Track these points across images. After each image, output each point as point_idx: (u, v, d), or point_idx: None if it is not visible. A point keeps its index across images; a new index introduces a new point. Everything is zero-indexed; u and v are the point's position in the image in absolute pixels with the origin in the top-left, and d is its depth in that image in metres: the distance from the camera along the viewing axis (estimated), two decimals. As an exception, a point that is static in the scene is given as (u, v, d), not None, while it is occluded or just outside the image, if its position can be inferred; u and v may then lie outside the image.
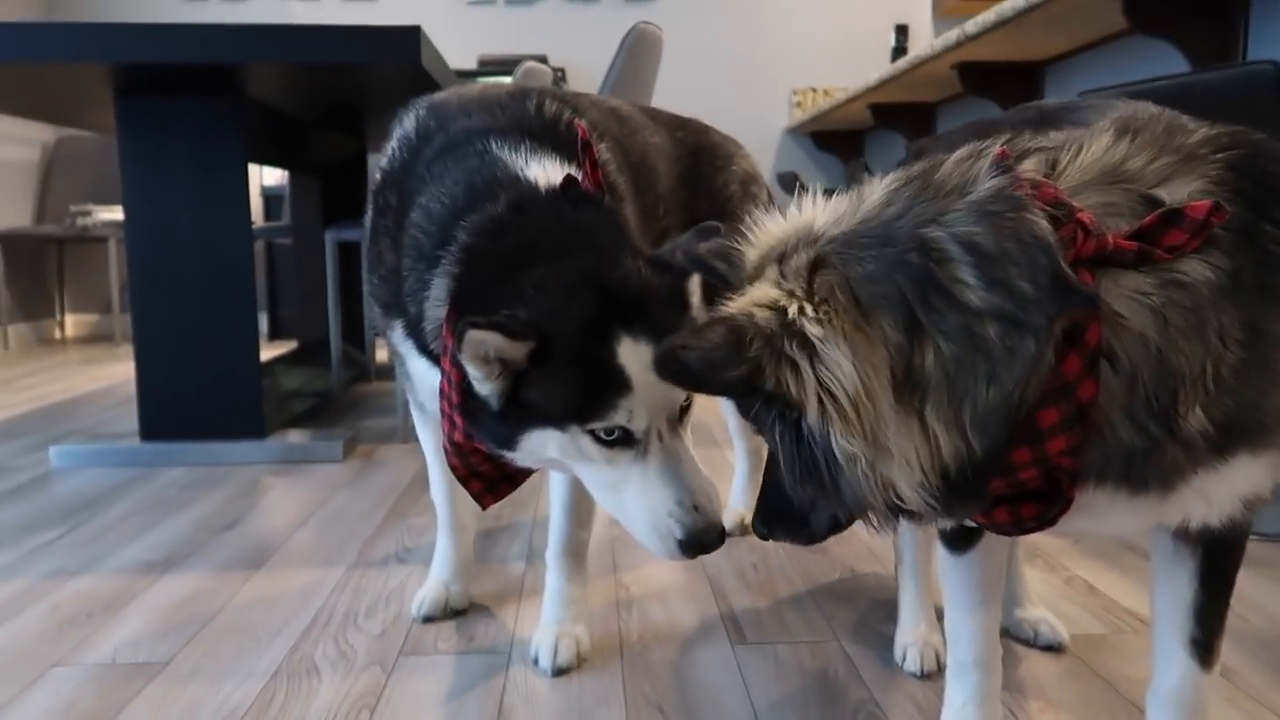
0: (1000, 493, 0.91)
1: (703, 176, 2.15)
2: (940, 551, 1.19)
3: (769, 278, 0.90)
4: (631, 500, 1.19)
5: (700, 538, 1.16)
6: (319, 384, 3.83)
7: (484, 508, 1.43)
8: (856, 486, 0.86)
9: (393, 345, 1.61)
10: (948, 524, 1.09)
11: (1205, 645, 1.10)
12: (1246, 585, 1.88)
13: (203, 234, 2.96)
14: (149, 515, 2.47)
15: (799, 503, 0.95)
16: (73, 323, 6.71)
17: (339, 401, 3.88)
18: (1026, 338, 0.83)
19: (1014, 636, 1.65)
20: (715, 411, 3.38)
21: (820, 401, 0.84)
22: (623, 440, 1.18)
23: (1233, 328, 0.85)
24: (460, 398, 1.21)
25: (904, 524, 0.91)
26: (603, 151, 1.62)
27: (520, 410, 1.17)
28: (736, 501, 2.34)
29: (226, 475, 2.85)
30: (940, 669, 1.56)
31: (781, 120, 6.43)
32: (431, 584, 1.83)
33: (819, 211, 0.94)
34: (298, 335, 4.67)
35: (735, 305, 0.89)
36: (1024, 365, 0.83)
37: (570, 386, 1.15)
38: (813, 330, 0.84)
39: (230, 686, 1.55)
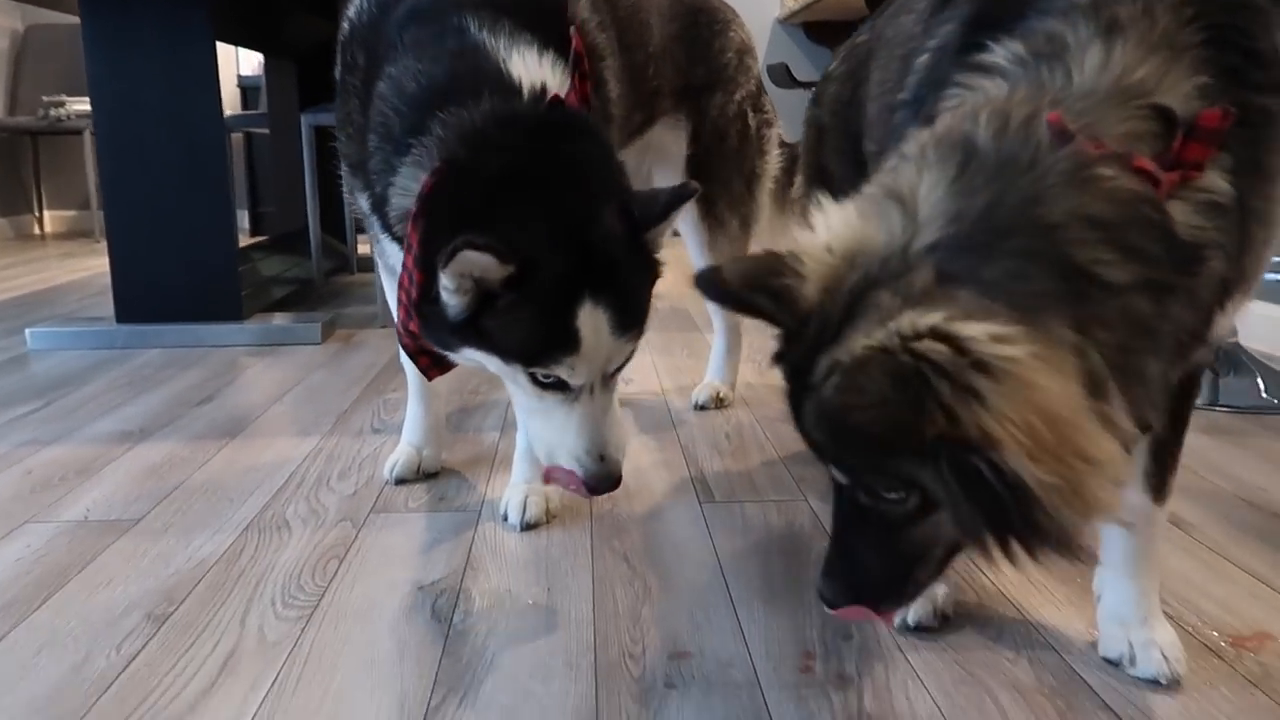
0: None
1: (700, 39, 2.08)
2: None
3: (883, 305, 0.76)
4: (547, 430, 1.27)
5: (598, 484, 1.26)
6: (298, 272, 3.79)
7: (429, 379, 1.46)
8: (1052, 516, 0.72)
9: (359, 210, 1.58)
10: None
11: (1160, 480, 1.11)
12: (1212, 451, 1.90)
13: (172, 114, 2.88)
14: (124, 391, 2.47)
15: (911, 559, 0.87)
16: (51, 219, 6.61)
17: (319, 290, 3.84)
18: (1171, 301, 0.79)
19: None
20: (695, 299, 3.36)
21: (1015, 432, 0.70)
22: (557, 386, 1.23)
23: (1237, 212, 0.85)
24: (418, 297, 1.23)
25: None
26: (583, 8, 1.55)
27: (475, 330, 1.20)
28: (713, 375, 2.34)
29: (203, 356, 2.84)
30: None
31: (772, 9, 6.25)
32: (403, 447, 1.82)
33: (864, 226, 0.82)
34: (279, 231, 4.60)
35: (857, 345, 0.75)
36: (1173, 328, 0.80)
37: (526, 331, 1.18)
38: (995, 352, 0.70)
39: (201, 540, 1.57)
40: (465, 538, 1.56)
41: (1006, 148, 0.80)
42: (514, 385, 1.27)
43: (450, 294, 1.16)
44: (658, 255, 1.28)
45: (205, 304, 2.98)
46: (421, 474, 1.80)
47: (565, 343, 1.18)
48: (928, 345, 0.71)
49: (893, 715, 1.08)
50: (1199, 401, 2.11)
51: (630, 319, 1.22)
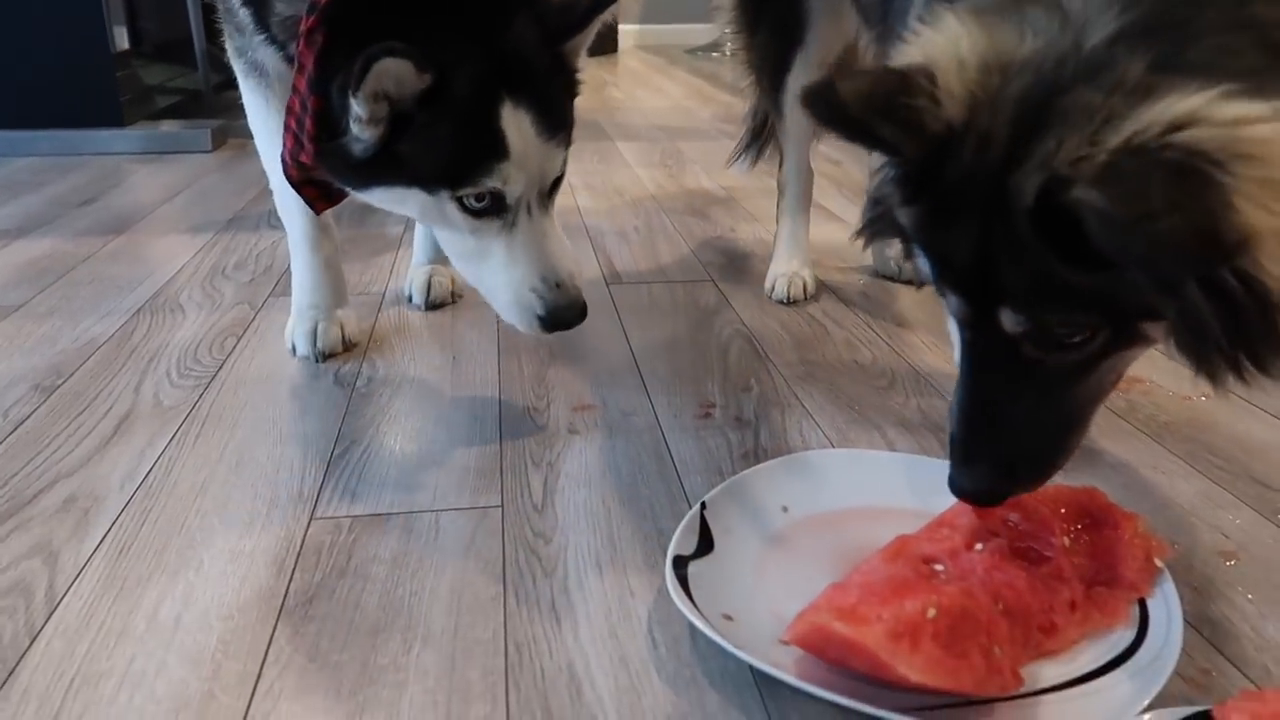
0: None
1: None
2: None
3: (1092, 105, 0.64)
4: (492, 273, 1.13)
5: (562, 314, 1.12)
6: (184, 82, 3.55)
7: (317, 213, 1.29)
8: None
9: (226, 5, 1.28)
10: None
11: None
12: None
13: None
14: (-2, 195, 2.32)
15: (1072, 420, 0.78)
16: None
17: (208, 102, 3.61)
18: None
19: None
20: (607, 112, 3.27)
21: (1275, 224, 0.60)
22: (491, 210, 1.09)
23: None
24: (316, 129, 1.06)
25: None
26: None
27: (388, 161, 1.06)
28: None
29: (83, 163, 2.67)
30: (806, 298, 1.61)
31: None
32: (307, 313, 1.42)
33: (996, 35, 0.71)
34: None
35: (1098, 150, 0.62)
36: None
37: (449, 146, 1.06)
38: (1252, 134, 0.61)
39: (89, 322, 1.51)
40: (369, 319, 1.54)
41: None
42: (444, 226, 1.13)
43: (362, 125, 1.02)
44: (576, 71, 1.16)
45: (82, 109, 2.79)
46: (348, 344, 1.43)
47: (492, 148, 1.06)
48: (1193, 135, 0.60)
49: (787, 448, 1.12)
50: None
51: (555, 121, 1.10)
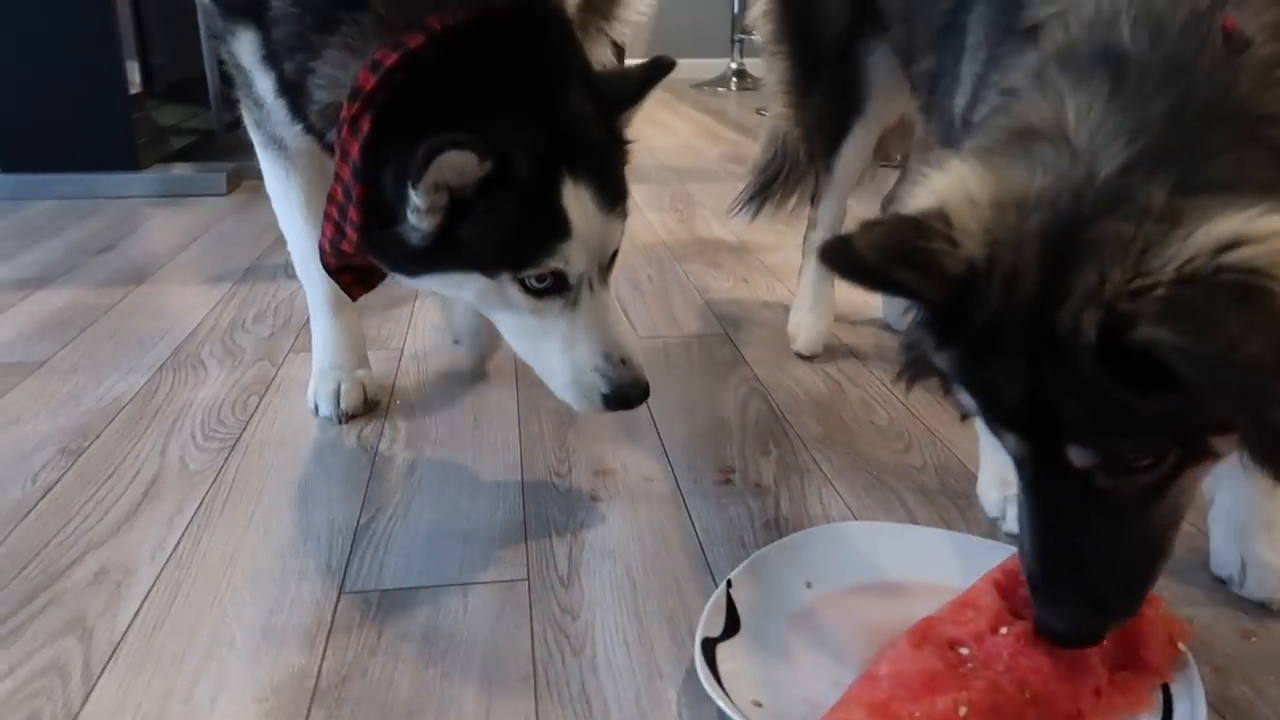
0: None
1: None
2: None
3: (1123, 236, 0.64)
4: (553, 351, 1.10)
5: (627, 392, 1.09)
6: (198, 122, 3.59)
7: (354, 299, 1.24)
8: None
9: (234, 57, 1.23)
10: None
11: None
12: None
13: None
14: (16, 241, 2.34)
15: (1155, 543, 0.76)
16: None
17: (221, 142, 3.65)
18: None
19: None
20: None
21: None
22: (553, 289, 1.07)
23: None
24: (362, 218, 1.03)
25: None
26: None
27: (446, 248, 1.03)
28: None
29: (100, 206, 2.70)
30: (824, 350, 1.63)
31: None
32: (329, 373, 1.43)
33: (1005, 173, 0.71)
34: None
35: (1147, 279, 0.62)
36: None
37: (511, 228, 1.03)
38: None
39: (113, 380, 1.53)
40: (389, 375, 1.56)
41: (1171, 53, 0.71)
42: (503, 308, 1.10)
43: (420, 215, 1.00)
44: (628, 140, 1.15)
45: (98, 152, 2.82)
46: (370, 403, 1.44)
47: (556, 229, 1.03)
48: (1243, 255, 0.60)
49: (807, 518, 1.14)
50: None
51: (614, 194, 1.08)
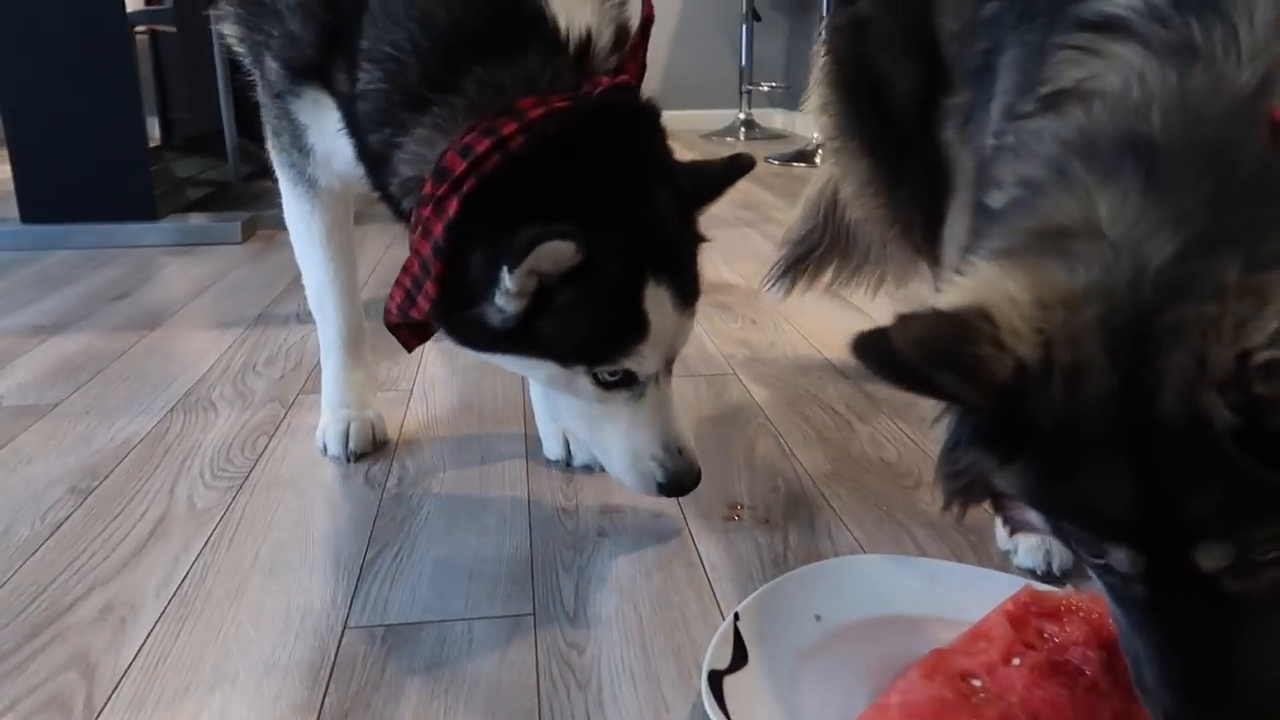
0: None
1: None
2: None
3: (1204, 318, 0.61)
4: (615, 438, 1.13)
5: (681, 480, 1.13)
6: (215, 174, 3.65)
7: (409, 350, 1.21)
8: None
9: (290, 113, 1.24)
10: None
11: None
12: None
13: (70, 5, 2.72)
14: (34, 290, 2.37)
15: None
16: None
17: (237, 193, 3.71)
18: None
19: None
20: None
21: None
22: (622, 383, 1.09)
23: None
24: (437, 293, 1.03)
25: None
26: None
27: (523, 334, 1.04)
28: None
29: (117, 256, 2.74)
30: (833, 390, 1.62)
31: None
32: (339, 413, 1.44)
33: (1041, 273, 0.68)
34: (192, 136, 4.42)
35: (1251, 364, 0.60)
36: None
37: (591, 325, 1.04)
38: None
39: (123, 421, 1.54)
40: (397, 415, 1.56)
41: (1209, 139, 0.69)
42: (570, 394, 1.11)
43: (508, 299, 1.00)
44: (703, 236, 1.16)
45: (116, 203, 2.87)
46: (378, 442, 1.44)
47: (634, 330, 1.04)
48: None
49: (816, 552, 1.13)
50: None
51: (691, 295, 1.10)
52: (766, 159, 4.48)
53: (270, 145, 1.35)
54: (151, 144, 3.12)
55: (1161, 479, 0.62)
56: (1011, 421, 0.65)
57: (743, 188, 1.14)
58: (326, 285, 1.39)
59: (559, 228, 0.95)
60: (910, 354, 0.64)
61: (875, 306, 2.00)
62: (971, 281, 0.70)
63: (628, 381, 1.09)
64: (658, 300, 1.05)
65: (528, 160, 1.00)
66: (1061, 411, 0.63)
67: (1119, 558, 0.66)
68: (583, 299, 1.02)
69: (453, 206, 1.01)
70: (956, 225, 1.32)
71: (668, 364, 1.13)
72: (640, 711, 0.86)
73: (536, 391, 1.41)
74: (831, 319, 2.05)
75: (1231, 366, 0.59)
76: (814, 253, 1.72)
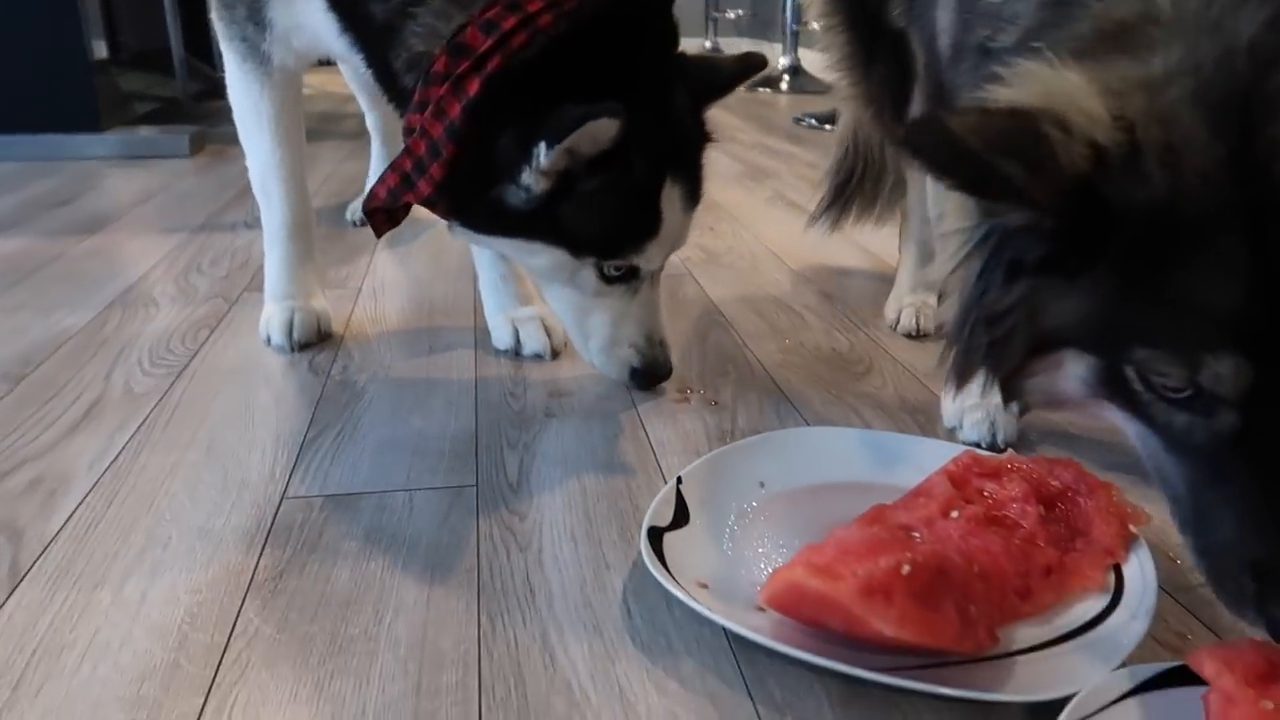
0: None
1: None
2: None
3: None
4: (600, 326, 1.14)
5: (656, 370, 1.17)
6: (164, 90, 3.54)
7: (379, 236, 1.16)
8: None
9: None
10: None
11: None
12: None
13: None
14: (-29, 197, 2.30)
15: None
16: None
17: (188, 110, 3.60)
18: None
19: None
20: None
21: None
22: (623, 277, 1.10)
23: None
24: (445, 175, 1.00)
25: None
26: None
27: (540, 218, 1.02)
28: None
29: (61, 167, 2.65)
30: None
31: None
32: (284, 304, 1.39)
33: (1112, 65, 0.63)
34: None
35: None
36: None
37: (613, 217, 1.04)
38: None
39: (60, 315, 1.49)
40: (345, 310, 1.53)
41: None
42: (568, 284, 1.10)
43: (539, 176, 0.98)
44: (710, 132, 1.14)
45: (59, 114, 2.78)
46: (323, 334, 1.40)
47: (650, 227, 1.05)
48: None
49: (763, 430, 1.12)
50: None
51: (698, 195, 1.10)
52: (732, 85, 4.42)
53: (217, 16, 1.28)
54: (97, 58, 3.01)
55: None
56: (1087, 222, 0.58)
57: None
58: (273, 168, 1.34)
59: (608, 105, 0.93)
60: (972, 141, 0.57)
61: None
62: (1032, 75, 0.63)
63: (629, 276, 1.10)
64: (671, 198, 1.05)
65: (558, 41, 0.97)
66: (1159, 192, 0.57)
67: (1220, 372, 0.57)
68: (608, 188, 1.01)
69: (474, 86, 0.97)
70: (918, 109, 1.29)
71: (665, 261, 1.14)
72: (580, 569, 0.85)
73: (485, 280, 1.38)
74: (791, 228, 2.04)
75: None
76: (852, 180, 1.62)
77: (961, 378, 0.75)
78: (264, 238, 1.40)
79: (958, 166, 0.60)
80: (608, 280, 1.09)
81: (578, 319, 1.15)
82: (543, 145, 0.96)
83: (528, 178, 0.99)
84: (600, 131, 0.95)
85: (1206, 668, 0.59)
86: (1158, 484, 0.69)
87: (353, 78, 1.96)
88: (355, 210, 2.02)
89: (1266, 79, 0.57)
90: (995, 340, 0.69)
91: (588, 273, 1.08)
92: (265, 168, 1.35)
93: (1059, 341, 0.66)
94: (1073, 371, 0.67)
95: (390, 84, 1.10)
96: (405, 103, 1.06)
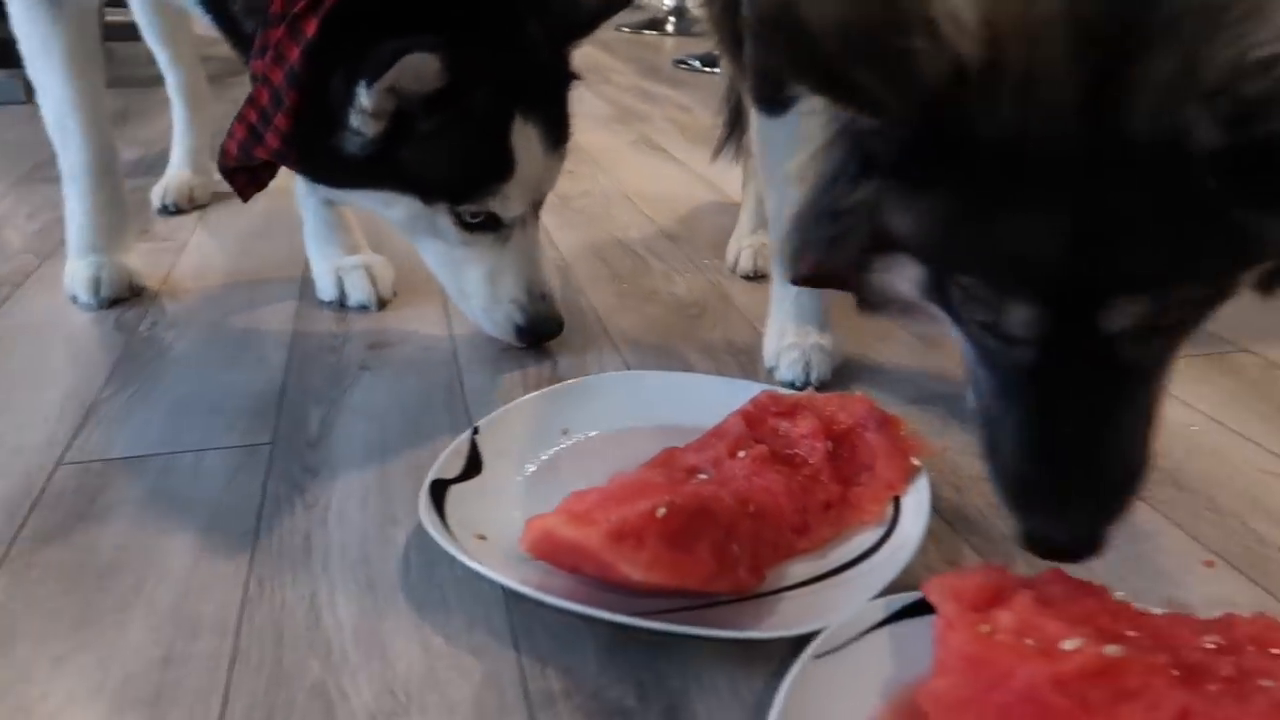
0: None
1: None
2: None
3: (1214, 6, 0.50)
4: (475, 281, 1.09)
5: (543, 326, 1.12)
6: None
7: (245, 199, 1.11)
8: None
9: None
10: None
11: None
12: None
13: None
14: None
15: (1153, 419, 0.63)
16: None
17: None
18: None
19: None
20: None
21: None
22: (486, 225, 1.05)
23: None
24: (291, 125, 0.95)
25: None
26: None
27: (383, 165, 0.98)
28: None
29: (-125, 116, 2.45)
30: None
31: None
32: (87, 259, 1.30)
33: None
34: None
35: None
36: None
37: (455, 159, 0.99)
38: None
39: None
40: (165, 263, 1.45)
41: None
42: (431, 235, 1.07)
43: (366, 117, 0.94)
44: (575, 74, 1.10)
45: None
46: (135, 289, 1.32)
47: (500, 168, 1.01)
48: None
49: (583, 375, 1.10)
50: None
51: (561, 135, 1.06)
52: (618, 27, 4.34)
53: None
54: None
55: (1103, 217, 0.52)
56: (937, 139, 0.54)
57: (584, 48, 1.08)
58: (69, 103, 1.23)
59: (425, 39, 0.89)
60: (827, 43, 0.51)
61: (698, 160, 1.96)
62: None
63: (492, 224, 1.06)
64: (525, 137, 1.01)
65: None
66: (1004, 127, 0.52)
67: (1020, 318, 0.57)
68: (446, 128, 0.97)
69: (311, 27, 0.92)
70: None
71: (535, 207, 1.09)
72: (365, 526, 0.82)
73: (309, 228, 1.32)
74: (653, 172, 2.01)
75: (1227, 70, 0.48)
76: (739, 110, 1.53)
77: (795, 267, 0.72)
78: (63, 186, 1.31)
79: (810, 72, 0.54)
80: (469, 229, 1.05)
81: (453, 277, 1.11)
82: (363, 85, 0.92)
83: (356, 120, 0.95)
84: (420, 66, 0.91)
85: (933, 595, 0.60)
86: (970, 388, 0.69)
87: (147, 28, 1.72)
88: (166, 193, 1.69)
89: (1155, 6, 0.51)
90: (835, 236, 0.67)
91: (445, 221, 1.05)
92: (60, 102, 1.25)
93: (896, 245, 0.63)
94: (908, 273, 0.65)
95: (231, 29, 1.04)
96: (249, 50, 0.99)
